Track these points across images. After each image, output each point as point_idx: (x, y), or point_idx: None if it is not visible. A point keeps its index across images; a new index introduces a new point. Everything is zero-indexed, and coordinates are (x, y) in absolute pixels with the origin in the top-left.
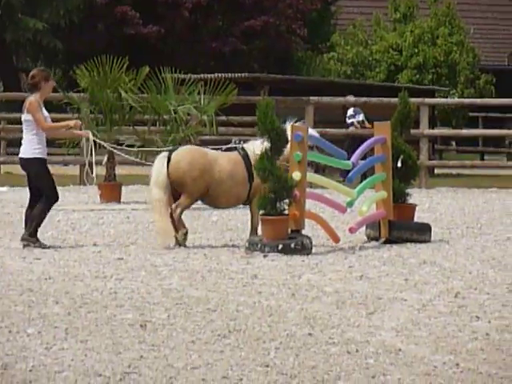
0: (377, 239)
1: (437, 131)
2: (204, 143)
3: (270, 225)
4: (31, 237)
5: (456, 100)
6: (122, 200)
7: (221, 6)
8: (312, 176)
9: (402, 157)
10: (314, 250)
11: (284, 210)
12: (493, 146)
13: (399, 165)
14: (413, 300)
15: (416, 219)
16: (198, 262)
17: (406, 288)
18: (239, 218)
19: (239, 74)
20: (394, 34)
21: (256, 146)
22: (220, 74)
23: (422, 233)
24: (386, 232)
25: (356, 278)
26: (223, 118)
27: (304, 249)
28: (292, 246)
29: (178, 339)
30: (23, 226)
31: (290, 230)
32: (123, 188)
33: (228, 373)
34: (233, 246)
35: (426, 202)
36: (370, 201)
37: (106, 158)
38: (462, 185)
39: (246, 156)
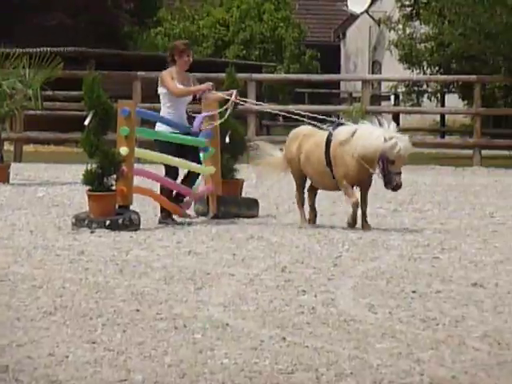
0: (205, 214)
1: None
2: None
3: (96, 201)
4: (166, 218)
5: (283, 76)
6: None
7: None
8: (142, 152)
9: (229, 132)
10: (142, 226)
11: (111, 185)
12: (319, 121)
13: (227, 140)
14: (240, 275)
15: (244, 194)
16: (23, 239)
17: (234, 263)
18: (65, 194)
19: (65, 49)
20: (221, 9)
21: (344, 133)
22: (45, 49)
23: (249, 208)
24: (215, 207)
25: (184, 254)
26: (49, 92)
27: (132, 224)
28: (120, 221)
29: (2, 316)
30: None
31: (117, 206)
32: None
33: (54, 350)
34: (59, 222)
35: (253, 178)
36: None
37: None
38: None
39: (328, 141)
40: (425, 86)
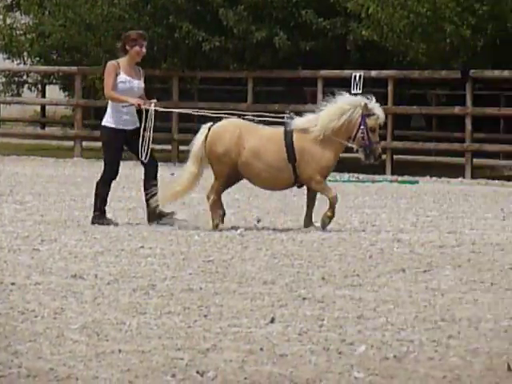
0: None
1: None
2: None
3: None
4: (96, 215)
5: None
6: None
7: None
8: None
9: None
10: None
11: None
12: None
13: None
14: None
15: None
16: None
17: None
18: None
19: None
20: None
21: (308, 121)
22: None
23: None
24: None
25: None
26: None
27: None
28: None
29: None
30: None
31: None
32: None
33: None
34: None
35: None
36: None
37: None
38: None
39: (288, 132)
40: (25, 77)
